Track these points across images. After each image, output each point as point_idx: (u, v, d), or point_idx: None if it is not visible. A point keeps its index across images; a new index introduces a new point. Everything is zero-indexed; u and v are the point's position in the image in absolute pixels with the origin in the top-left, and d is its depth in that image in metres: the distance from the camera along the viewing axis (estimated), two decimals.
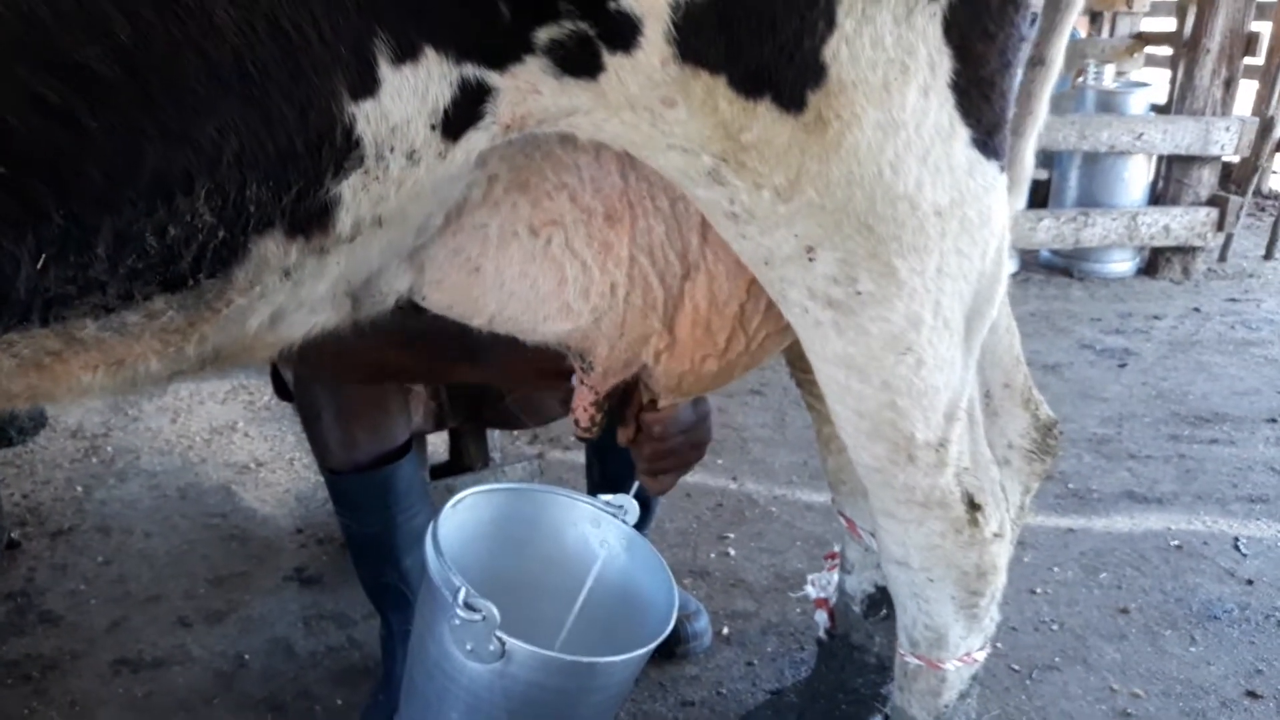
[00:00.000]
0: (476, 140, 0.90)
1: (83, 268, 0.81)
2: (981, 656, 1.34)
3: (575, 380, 1.27)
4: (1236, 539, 2.40)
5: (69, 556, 2.22)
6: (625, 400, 1.32)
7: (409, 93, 0.83)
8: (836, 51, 0.86)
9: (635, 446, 1.39)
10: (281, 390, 1.85)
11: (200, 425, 2.87)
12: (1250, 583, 2.23)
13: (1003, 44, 0.96)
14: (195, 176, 0.80)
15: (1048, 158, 4.77)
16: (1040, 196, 4.81)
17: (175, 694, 1.81)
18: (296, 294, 0.94)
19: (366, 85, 0.82)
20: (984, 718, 1.77)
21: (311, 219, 0.87)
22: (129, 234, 0.81)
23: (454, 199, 1.00)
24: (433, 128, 0.86)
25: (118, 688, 1.82)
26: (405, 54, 0.82)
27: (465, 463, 2.32)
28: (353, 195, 0.87)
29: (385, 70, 0.82)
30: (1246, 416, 3.11)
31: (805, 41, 0.85)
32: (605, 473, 1.87)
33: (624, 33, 0.83)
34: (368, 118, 0.83)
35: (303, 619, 2.03)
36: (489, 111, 0.88)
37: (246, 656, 1.91)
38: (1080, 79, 4.86)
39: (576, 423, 1.31)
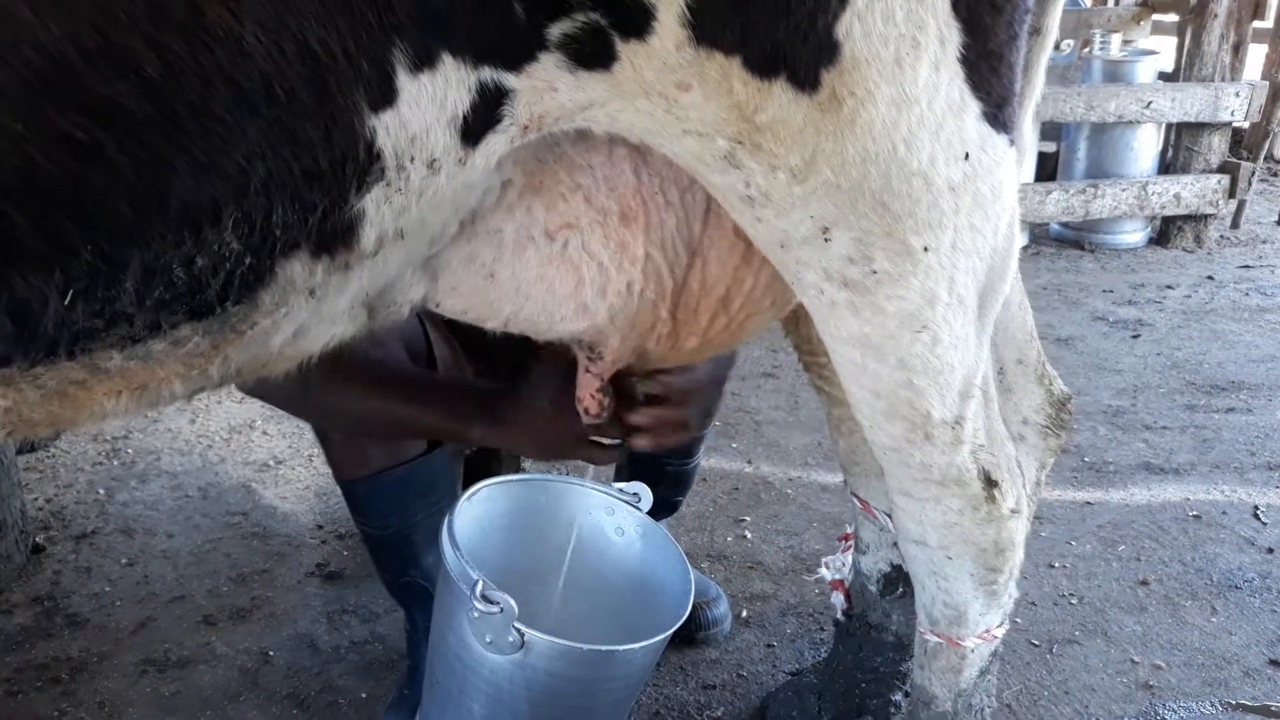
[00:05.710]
0: (496, 144, 0.89)
1: (110, 302, 0.80)
2: (1001, 633, 1.34)
3: (580, 370, 1.27)
4: (1256, 507, 2.39)
5: (93, 559, 2.24)
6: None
7: (427, 101, 0.83)
8: (850, 28, 0.86)
9: (663, 401, 1.40)
10: None
11: (219, 424, 2.88)
12: (1271, 551, 2.22)
13: (1009, 16, 0.96)
14: (223, 206, 0.80)
15: (1055, 130, 4.73)
16: (1049, 169, 4.78)
17: (201, 692, 1.83)
18: (319, 310, 0.94)
19: (386, 96, 0.81)
20: (1004, 693, 1.77)
21: (337, 237, 0.87)
22: (157, 267, 0.80)
23: (469, 206, 0.99)
24: (452, 135, 0.86)
25: (145, 687, 1.84)
26: (423, 62, 0.81)
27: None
28: (376, 209, 0.87)
29: (403, 80, 0.81)
30: (1263, 384, 3.09)
31: (819, 19, 0.85)
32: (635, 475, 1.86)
33: (637, 20, 0.83)
34: (387, 129, 0.82)
35: (326, 614, 2.04)
36: (507, 114, 0.87)
37: (271, 653, 1.93)
38: (1086, 49, 4.82)
39: (586, 411, 1.31)
